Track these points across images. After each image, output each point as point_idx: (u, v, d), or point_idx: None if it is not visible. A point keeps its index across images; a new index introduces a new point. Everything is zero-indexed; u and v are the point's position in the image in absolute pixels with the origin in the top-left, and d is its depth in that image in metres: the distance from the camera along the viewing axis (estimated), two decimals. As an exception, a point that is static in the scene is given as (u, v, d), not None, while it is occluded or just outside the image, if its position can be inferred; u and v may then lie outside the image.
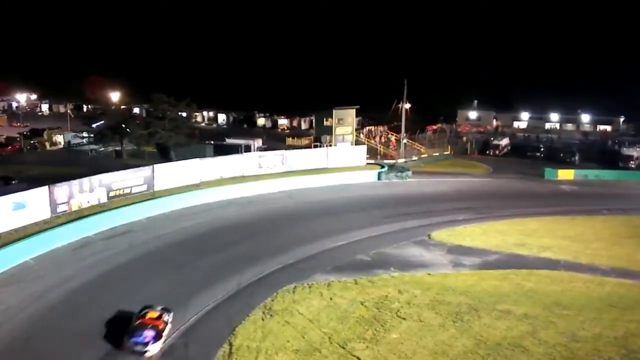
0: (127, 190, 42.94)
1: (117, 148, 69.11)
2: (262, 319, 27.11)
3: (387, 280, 32.65)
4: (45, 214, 36.85)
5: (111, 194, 41.64)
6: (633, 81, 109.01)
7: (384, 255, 37.36)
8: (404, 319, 27.47)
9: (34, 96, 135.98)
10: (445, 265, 36.05)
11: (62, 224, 37.15)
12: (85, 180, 39.83)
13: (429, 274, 34.11)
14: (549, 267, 35.92)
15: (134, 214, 41.08)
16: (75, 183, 38.90)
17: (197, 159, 49.63)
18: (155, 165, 45.56)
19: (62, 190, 37.88)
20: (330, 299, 29.59)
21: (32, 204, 35.96)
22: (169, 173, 46.78)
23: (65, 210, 38.38)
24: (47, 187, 36.91)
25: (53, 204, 37.29)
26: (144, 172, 44.58)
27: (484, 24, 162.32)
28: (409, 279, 33.02)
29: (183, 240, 38.09)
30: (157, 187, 45.37)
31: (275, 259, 35.22)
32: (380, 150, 73.12)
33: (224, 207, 46.50)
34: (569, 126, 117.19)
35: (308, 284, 31.51)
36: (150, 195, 44.75)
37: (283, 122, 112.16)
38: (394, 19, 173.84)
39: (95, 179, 40.56)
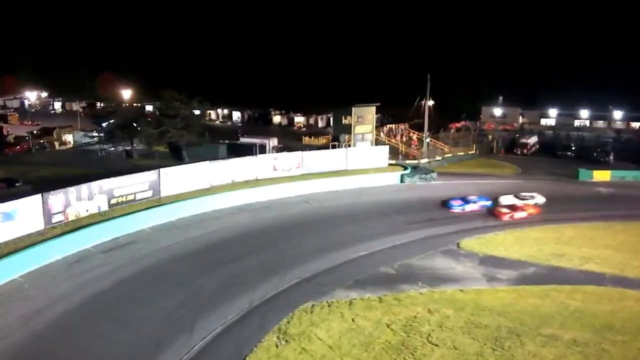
0: (130, 197, 39.67)
1: (127, 148, 66.80)
2: (277, 346, 24.69)
3: (415, 298, 30.20)
4: (38, 225, 33.66)
5: (112, 201, 38.43)
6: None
7: (410, 267, 34.93)
8: (437, 345, 24.97)
9: (44, 94, 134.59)
10: (479, 280, 33.45)
11: (57, 235, 34.25)
12: (84, 186, 36.63)
13: (461, 290, 31.61)
14: (594, 282, 33.26)
15: (138, 223, 38.20)
16: (72, 190, 35.74)
17: (207, 162, 46.36)
18: (161, 169, 42.23)
19: (57, 198, 34.72)
20: (353, 320, 27.17)
21: (23, 214, 32.84)
22: (176, 177, 43.50)
23: (61, 221, 35.27)
24: (40, 195, 33.88)
25: (47, 214, 34.09)
26: (148, 176, 41.24)
27: (508, 16, 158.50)
28: (439, 297, 30.60)
29: (190, 252, 35.33)
30: (164, 192, 42.15)
31: (291, 272, 32.77)
32: (401, 150, 69.91)
33: (235, 213, 43.57)
34: (600, 123, 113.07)
35: (327, 302, 29.15)
36: (156, 202, 41.65)
37: (299, 119, 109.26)
38: (415, 12, 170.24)
39: (95, 185, 37.36)
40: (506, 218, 45.22)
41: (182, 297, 28.87)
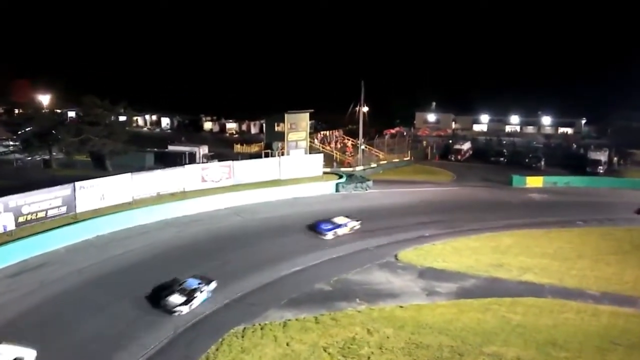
0: (41, 214, 36.14)
1: (46, 157, 62.39)
2: (204, 379, 22.72)
3: (353, 317, 28.73)
4: None
5: (21, 219, 34.83)
6: (591, 81, 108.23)
7: (347, 282, 33.49)
8: (377, 370, 23.54)
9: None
10: (418, 295, 32.32)
11: (-46, 260, 30.89)
12: (-15, 205, 33.02)
13: (400, 307, 30.34)
14: (534, 294, 32.83)
15: (50, 243, 34.76)
16: (-29, 209, 32.17)
17: (129, 174, 43.01)
18: (76, 183, 38.78)
19: (-46, 218, 31.19)
20: (287, 344, 25.47)
21: None
22: (94, 191, 40.19)
23: (-39, 242, 31.65)
24: None
25: (-58, 236, 30.53)
26: (62, 191, 37.70)
27: (441, 23, 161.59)
28: (378, 315, 29.23)
29: (109, 274, 32.35)
30: (80, 208, 38.75)
31: (220, 291, 30.57)
32: (336, 157, 68.53)
33: (161, 229, 40.67)
34: (530, 129, 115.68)
35: (260, 325, 27.28)
36: (71, 218, 38.15)
37: (231, 126, 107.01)
38: (349, 17, 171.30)
39: (-1, 202, 33.83)
40: None
41: (98, 325, 26.24)
